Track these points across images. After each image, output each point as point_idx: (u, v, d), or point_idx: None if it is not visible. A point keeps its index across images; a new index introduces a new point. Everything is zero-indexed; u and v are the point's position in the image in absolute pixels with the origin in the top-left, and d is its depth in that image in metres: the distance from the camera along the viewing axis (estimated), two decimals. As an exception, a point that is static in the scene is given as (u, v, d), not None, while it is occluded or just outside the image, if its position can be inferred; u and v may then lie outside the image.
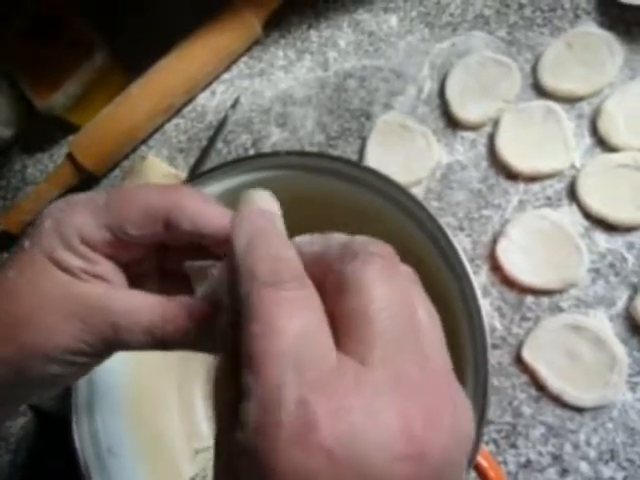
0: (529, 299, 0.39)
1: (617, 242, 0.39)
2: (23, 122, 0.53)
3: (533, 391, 0.38)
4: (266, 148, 0.48)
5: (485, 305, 0.40)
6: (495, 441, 0.37)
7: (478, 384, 0.30)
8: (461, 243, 0.41)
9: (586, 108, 0.42)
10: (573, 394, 0.37)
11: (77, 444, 0.34)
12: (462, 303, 0.32)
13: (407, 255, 0.20)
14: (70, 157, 0.50)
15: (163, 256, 0.24)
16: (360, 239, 0.18)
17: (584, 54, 0.43)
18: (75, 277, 0.21)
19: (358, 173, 0.36)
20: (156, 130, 0.51)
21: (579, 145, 0.41)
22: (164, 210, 0.21)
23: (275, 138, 0.48)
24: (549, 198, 0.41)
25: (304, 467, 0.14)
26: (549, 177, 0.41)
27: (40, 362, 0.21)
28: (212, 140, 0.49)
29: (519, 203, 0.41)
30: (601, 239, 0.39)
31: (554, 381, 0.37)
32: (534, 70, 0.44)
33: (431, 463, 0.15)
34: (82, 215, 0.22)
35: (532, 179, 0.42)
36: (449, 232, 0.33)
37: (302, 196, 0.38)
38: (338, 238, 0.19)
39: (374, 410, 0.15)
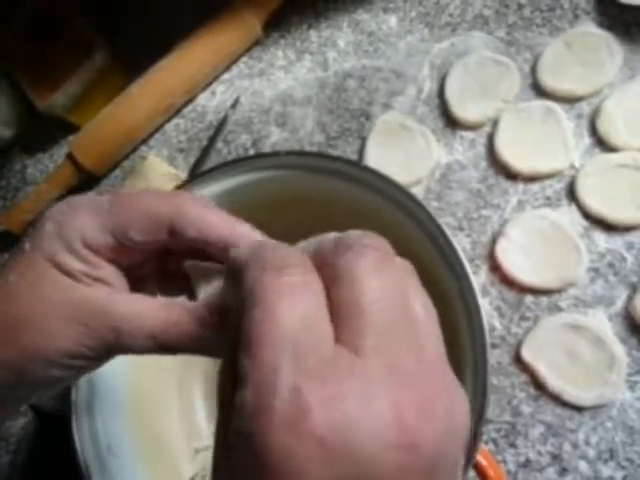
0: (528, 299, 0.39)
1: (616, 242, 0.39)
2: (23, 122, 0.53)
3: (532, 390, 0.38)
4: (266, 148, 0.48)
5: (484, 305, 0.40)
6: (494, 440, 0.37)
7: (477, 383, 0.30)
8: (460, 243, 0.41)
9: (585, 108, 0.42)
10: (572, 393, 0.37)
11: (77, 444, 0.34)
12: (461, 302, 0.32)
13: (406, 254, 0.20)
14: (70, 157, 0.50)
15: (164, 258, 0.24)
16: (354, 232, 0.18)
17: (583, 54, 0.43)
18: (77, 280, 0.21)
19: (358, 173, 0.36)
20: (156, 130, 0.51)
21: (578, 145, 0.41)
22: (168, 217, 0.21)
23: (275, 138, 0.48)
24: (548, 198, 0.41)
25: (296, 453, 0.14)
26: (548, 177, 0.41)
27: (40, 365, 0.21)
28: (212, 140, 0.49)
29: (518, 203, 0.41)
30: (600, 239, 0.39)
31: (553, 380, 0.37)
32: (533, 70, 0.44)
33: (424, 453, 0.15)
34: (85, 218, 0.22)
35: (531, 179, 0.42)
36: (448, 232, 0.33)
37: (302, 196, 0.38)
38: (332, 235, 0.19)
39: (367, 399, 0.15)
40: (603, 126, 0.41)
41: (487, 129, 0.44)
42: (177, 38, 0.50)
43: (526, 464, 0.37)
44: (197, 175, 0.37)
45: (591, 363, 0.37)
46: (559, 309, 0.39)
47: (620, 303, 0.38)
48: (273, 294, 0.16)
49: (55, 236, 0.21)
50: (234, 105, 0.50)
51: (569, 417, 0.37)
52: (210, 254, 0.22)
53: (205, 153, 0.49)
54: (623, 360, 0.36)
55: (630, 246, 0.39)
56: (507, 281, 0.40)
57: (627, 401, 0.36)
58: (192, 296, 0.23)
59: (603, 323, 0.38)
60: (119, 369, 0.37)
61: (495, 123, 0.43)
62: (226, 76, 0.52)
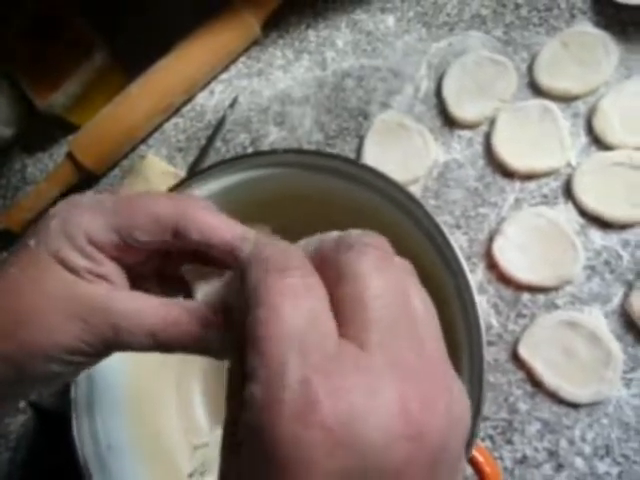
0: (525, 296, 0.40)
1: (612, 239, 0.39)
2: (23, 122, 0.54)
3: (529, 387, 0.38)
4: (264, 147, 0.48)
5: (481, 302, 0.40)
6: (491, 437, 0.38)
7: (474, 380, 0.31)
8: (458, 241, 0.41)
9: (582, 107, 0.42)
10: (569, 390, 0.37)
11: (76, 441, 0.34)
12: (458, 299, 0.32)
13: (403, 252, 0.20)
14: (70, 156, 0.50)
15: (165, 259, 0.24)
16: (355, 232, 0.19)
17: (580, 53, 0.43)
18: (79, 277, 0.22)
19: (355, 171, 0.37)
20: (155, 129, 0.52)
21: (575, 144, 0.42)
22: (173, 219, 0.22)
23: (273, 137, 0.49)
24: (545, 196, 0.41)
25: (305, 443, 0.15)
26: (545, 175, 0.42)
27: (39, 360, 0.21)
28: (211, 139, 0.50)
29: (515, 201, 0.42)
30: (596, 236, 0.39)
31: (550, 377, 0.37)
32: (530, 69, 0.44)
33: (428, 446, 0.15)
34: (90, 216, 0.22)
35: (528, 177, 0.42)
36: (446, 230, 0.33)
37: (300, 194, 0.38)
38: (333, 234, 0.19)
39: (373, 391, 0.15)
40: (599, 125, 0.41)
41: (484, 128, 0.44)
42: (177, 38, 0.51)
43: (523, 460, 0.37)
44: (195, 173, 0.37)
45: (587, 360, 0.37)
46: (556, 307, 0.39)
47: (616, 300, 0.38)
48: (276, 295, 0.16)
49: (60, 232, 0.22)
50: (233, 104, 0.50)
51: (565, 414, 0.37)
52: (211, 256, 0.22)
53: (204, 152, 0.49)
54: (619, 357, 0.36)
55: (626, 244, 0.39)
56: (504, 279, 0.40)
57: (623, 398, 0.36)
58: (189, 298, 0.24)
59: (599, 320, 0.38)
60: (118, 366, 0.37)
61: (492, 122, 0.44)
62: (225, 76, 0.52)
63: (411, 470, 0.15)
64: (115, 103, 0.51)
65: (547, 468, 0.36)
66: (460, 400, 0.17)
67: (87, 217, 0.22)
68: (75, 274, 0.22)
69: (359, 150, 0.46)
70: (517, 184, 0.42)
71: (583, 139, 0.42)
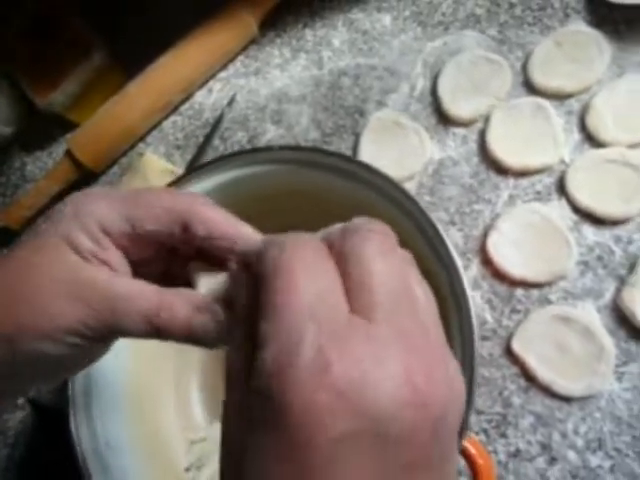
0: (519, 292, 0.40)
1: (605, 235, 0.40)
2: (23, 120, 0.54)
3: (523, 382, 0.38)
4: (262, 145, 0.49)
5: (476, 298, 0.40)
6: (485, 431, 0.38)
7: (466, 373, 0.31)
8: (453, 237, 0.42)
9: (575, 105, 0.43)
10: (562, 384, 0.37)
11: (74, 437, 0.35)
12: (451, 294, 0.33)
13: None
14: (69, 154, 0.51)
15: (170, 261, 0.25)
16: (360, 219, 0.19)
17: (573, 52, 0.44)
18: (84, 259, 0.22)
19: (351, 168, 0.37)
20: (153, 127, 0.52)
21: (568, 141, 0.42)
22: (182, 214, 0.23)
23: (270, 135, 0.49)
24: (539, 193, 0.42)
25: (316, 407, 0.15)
26: (539, 172, 0.42)
27: (39, 341, 0.22)
28: (208, 137, 0.50)
29: (509, 198, 0.42)
30: (589, 232, 0.40)
31: (543, 372, 0.38)
32: (524, 68, 0.45)
33: (432, 415, 0.16)
34: (105, 203, 0.23)
35: (522, 174, 0.42)
36: (440, 226, 0.34)
37: (296, 190, 0.38)
38: (338, 225, 0.20)
39: (382, 360, 0.16)
40: (592, 122, 0.42)
41: (479, 125, 0.44)
42: (176, 38, 0.51)
43: (516, 454, 0.37)
44: (192, 169, 0.38)
45: (580, 355, 0.37)
46: (549, 302, 0.39)
47: (608, 295, 0.38)
48: (292, 270, 0.17)
49: (73, 217, 0.23)
50: (230, 103, 0.51)
51: (558, 408, 0.37)
52: (214, 256, 0.23)
53: (202, 150, 0.50)
54: (611, 351, 0.37)
55: (618, 239, 0.39)
56: (498, 274, 0.41)
57: (615, 392, 0.37)
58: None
59: (592, 315, 0.38)
60: (116, 362, 0.38)
61: (487, 120, 0.44)
62: (223, 74, 0.52)
63: (416, 438, 0.16)
64: (114, 101, 0.51)
65: (540, 461, 0.37)
66: (456, 376, 0.18)
67: (102, 204, 0.23)
68: (80, 256, 0.22)
69: (355, 148, 0.46)
70: (511, 181, 0.42)
71: (576, 136, 0.42)
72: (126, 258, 0.24)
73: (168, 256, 0.25)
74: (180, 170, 0.49)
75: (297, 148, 0.42)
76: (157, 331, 0.22)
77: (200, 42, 0.51)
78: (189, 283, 0.24)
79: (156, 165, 0.49)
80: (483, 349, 0.39)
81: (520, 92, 0.44)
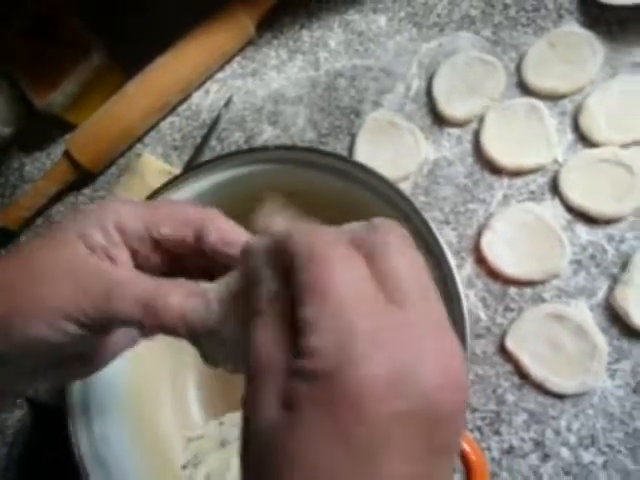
0: (513, 290, 0.40)
1: (598, 234, 0.40)
2: (22, 121, 0.54)
3: (516, 379, 0.39)
4: (258, 145, 0.49)
5: (470, 296, 0.41)
6: (479, 428, 0.38)
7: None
8: (447, 236, 0.42)
9: (568, 105, 0.43)
10: (555, 381, 0.38)
11: (72, 436, 0.35)
12: (444, 292, 0.33)
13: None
14: (67, 154, 0.51)
15: (172, 274, 0.26)
16: (379, 219, 0.20)
17: (566, 53, 0.44)
18: (94, 252, 0.24)
19: (347, 167, 0.37)
20: (151, 128, 0.52)
21: (561, 141, 0.43)
22: (197, 220, 0.25)
23: (267, 135, 0.49)
24: (532, 192, 0.42)
25: (373, 386, 0.16)
26: (532, 172, 0.42)
27: (34, 324, 0.22)
28: (206, 138, 0.51)
29: (503, 197, 0.42)
30: (582, 231, 0.40)
31: (537, 369, 0.38)
32: (518, 69, 0.45)
33: (463, 397, 0.17)
34: (127, 206, 0.25)
35: (516, 174, 0.43)
36: (434, 225, 0.34)
37: (291, 190, 0.39)
38: (355, 224, 0.21)
39: (423, 346, 0.17)
40: (585, 122, 0.42)
41: (473, 126, 0.45)
42: (175, 39, 0.51)
43: (510, 451, 0.37)
44: (189, 169, 0.38)
45: (573, 352, 0.38)
46: (542, 300, 0.40)
47: (601, 294, 0.39)
48: (332, 258, 0.18)
49: (93, 214, 0.25)
50: (227, 104, 0.51)
51: (552, 405, 0.38)
52: (221, 259, 0.25)
53: (199, 150, 0.50)
54: (604, 349, 0.37)
55: (611, 238, 0.40)
56: (492, 273, 0.41)
57: (607, 389, 0.37)
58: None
59: (585, 313, 0.38)
60: (114, 363, 0.38)
61: (481, 120, 0.44)
62: (220, 75, 0.53)
63: (454, 417, 0.17)
64: (112, 102, 0.51)
65: (533, 458, 0.37)
66: (465, 365, 0.19)
67: (125, 206, 0.25)
68: (90, 249, 0.24)
69: (351, 148, 0.47)
70: (505, 181, 0.43)
71: (569, 136, 0.43)
72: (133, 261, 0.25)
73: (170, 269, 0.26)
74: (177, 170, 0.50)
75: (293, 148, 0.43)
76: (152, 317, 0.22)
77: (198, 43, 0.51)
78: None
79: (154, 166, 0.50)
80: (477, 347, 0.40)
81: (514, 93, 0.45)
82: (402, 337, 0.17)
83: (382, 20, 0.50)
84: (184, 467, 0.40)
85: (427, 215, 0.35)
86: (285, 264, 0.19)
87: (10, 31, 0.51)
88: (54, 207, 0.53)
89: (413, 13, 0.49)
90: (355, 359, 0.16)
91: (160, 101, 0.51)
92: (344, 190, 0.38)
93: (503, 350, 0.39)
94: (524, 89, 0.45)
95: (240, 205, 0.31)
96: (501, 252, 0.41)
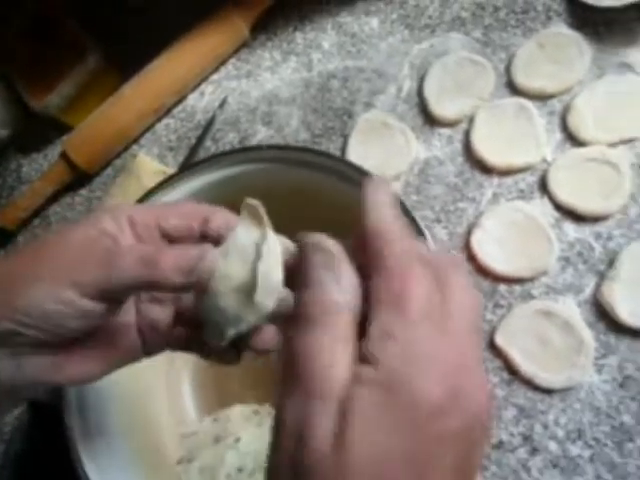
0: (502, 287, 0.41)
1: (585, 232, 0.41)
2: (19, 123, 0.55)
3: (506, 375, 0.39)
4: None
5: (460, 293, 0.41)
6: (469, 423, 0.39)
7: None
8: (438, 234, 0.43)
9: (557, 105, 0.44)
10: (544, 377, 0.38)
11: (68, 433, 0.36)
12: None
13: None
14: (64, 156, 0.52)
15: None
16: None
17: (555, 53, 0.45)
18: (103, 235, 0.26)
19: (339, 167, 0.38)
20: (147, 129, 0.53)
21: (550, 140, 0.43)
22: (205, 211, 0.27)
23: (261, 136, 0.50)
24: (522, 191, 0.43)
25: (434, 395, 0.18)
26: (521, 171, 0.43)
27: (35, 289, 0.23)
28: (201, 139, 0.51)
29: (493, 196, 0.43)
30: (570, 229, 0.41)
31: (526, 365, 0.39)
32: (508, 69, 0.46)
33: (489, 417, 0.20)
34: (138, 205, 0.29)
35: (505, 173, 0.43)
36: (423, 224, 0.35)
37: (285, 189, 0.39)
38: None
39: (476, 375, 0.19)
40: (573, 122, 0.43)
41: (464, 126, 0.45)
42: (171, 41, 0.52)
43: (499, 445, 0.38)
44: (183, 168, 0.39)
45: (561, 348, 0.38)
46: (531, 297, 0.40)
47: (588, 290, 0.39)
48: (413, 272, 0.20)
49: (110, 209, 0.28)
50: (222, 105, 0.52)
51: (540, 400, 0.38)
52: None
53: (194, 151, 0.51)
54: (591, 344, 0.38)
55: (598, 236, 0.40)
56: (482, 270, 0.41)
57: (594, 383, 0.38)
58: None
59: (572, 309, 0.39)
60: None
61: (471, 120, 0.45)
62: (214, 77, 0.53)
63: (483, 442, 0.19)
64: (108, 104, 0.52)
65: (522, 452, 0.37)
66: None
67: (137, 206, 0.29)
68: (99, 232, 0.26)
69: (344, 148, 0.47)
70: (495, 179, 0.43)
71: (558, 136, 0.43)
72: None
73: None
74: (173, 171, 0.50)
75: (285, 147, 0.43)
76: (151, 270, 0.23)
77: (193, 46, 0.52)
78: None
79: (149, 166, 0.50)
80: (467, 343, 0.40)
81: (503, 93, 0.45)
82: (458, 360, 0.19)
83: (374, 22, 0.51)
84: (178, 463, 0.41)
85: (418, 214, 0.35)
86: (368, 269, 0.20)
87: (10, 31, 0.52)
88: (51, 208, 0.54)
89: (405, 15, 0.50)
90: (416, 375, 0.18)
91: (156, 103, 0.52)
92: (337, 189, 0.38)
93: (493, 346, 0.40)
94: (513, 89, 0.45)
95: (234, 205, 0.31)
96: (491, 250, 0.41)
